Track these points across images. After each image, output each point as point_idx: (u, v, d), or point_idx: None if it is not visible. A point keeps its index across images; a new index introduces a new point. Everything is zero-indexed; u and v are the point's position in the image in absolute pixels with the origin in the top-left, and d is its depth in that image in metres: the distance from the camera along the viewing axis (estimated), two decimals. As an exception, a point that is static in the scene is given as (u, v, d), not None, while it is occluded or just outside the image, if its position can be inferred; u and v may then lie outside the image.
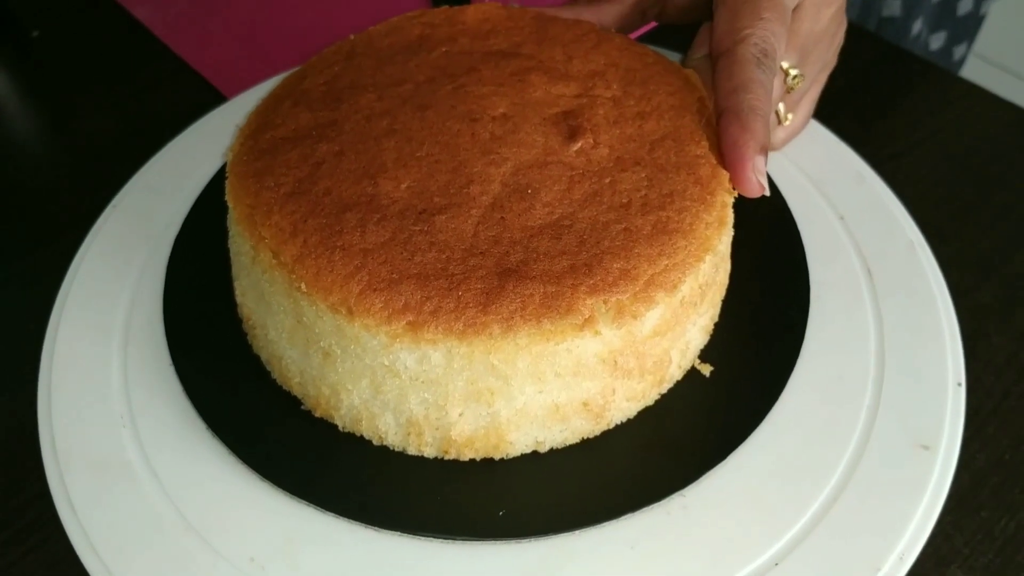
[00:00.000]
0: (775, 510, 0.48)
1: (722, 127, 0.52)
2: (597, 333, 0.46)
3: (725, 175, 0.52)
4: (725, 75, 0.53)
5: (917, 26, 0.94)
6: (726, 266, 0.55)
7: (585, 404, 0.49)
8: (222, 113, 0.73)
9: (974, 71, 0.88)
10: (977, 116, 0.73)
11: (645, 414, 0.52)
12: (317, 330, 0.48)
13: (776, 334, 0.55)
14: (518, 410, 0.48)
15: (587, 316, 0.46)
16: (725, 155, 0.52)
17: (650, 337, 0.49)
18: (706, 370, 0.54)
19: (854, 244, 0.60)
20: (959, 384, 0.52)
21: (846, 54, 0.76)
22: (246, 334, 0.56)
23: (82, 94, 0.84)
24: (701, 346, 0.55)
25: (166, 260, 0.61)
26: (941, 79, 0.77)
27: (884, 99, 0.75)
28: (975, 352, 0.54)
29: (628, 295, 0.47)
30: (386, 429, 0.50)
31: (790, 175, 0.65)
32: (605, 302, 0.46)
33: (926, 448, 0.50)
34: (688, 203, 0.50)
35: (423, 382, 0.47)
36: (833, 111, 0.71)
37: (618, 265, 0.47)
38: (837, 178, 0.64)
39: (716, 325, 0.56)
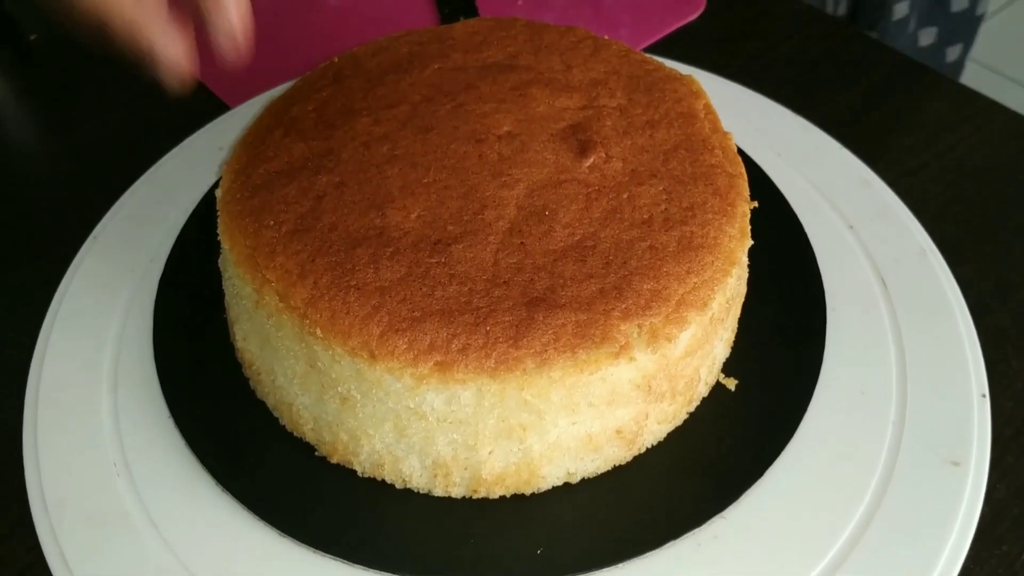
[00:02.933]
0: (807, 537, 0.46)
1: None
2: (632, 359, 0.44)
3: (743, 184, 0.51)
4: None
5: (902, 9, 0.92)
6: (746, 276, 0.53)
7: (618, 432, 0.47)
8: (219, 126, 0.70)
9: (983, 82, 0.85)
10: (991, 132, 0.72)
11: (674, 435, 0.51)
12: (334, 375, 0.45)
13: (796, 346, 0.54)
14: (551, 444, 0.46)
15: (623, 343, 0.44)
16: None
17: (682, 358, 0.47)
18: (731, 384, 0.52)
19: (866, 253, 0.59)
20: (983, 395, 0.51)
21: (857, 67, 0.75)
22: (248, 379, 0.53)
23: (80, 100, 0.78)
24: (724, 359, 0.53)
25: (153, 295, 0.57)
26: (955, 93, 0.76)
27: (897, 114, 0.74)
28: (994, 376, 0.53)
29: (661, 317, 0.45)
30: (410, 472, 0.47)
31: (796, 184, 0.63)
32: (640, 327, 0.44)
33: (956, 464, 0.49)
34: (710, 216, 0.48)
35: (451, 423, 0.45)
36: (845, 125, 0.70)
37: (648, 286, 0.45)
38: (844, 186, 0.63)
39: (736, 337, 0.54)
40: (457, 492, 0.48)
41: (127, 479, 0.50)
